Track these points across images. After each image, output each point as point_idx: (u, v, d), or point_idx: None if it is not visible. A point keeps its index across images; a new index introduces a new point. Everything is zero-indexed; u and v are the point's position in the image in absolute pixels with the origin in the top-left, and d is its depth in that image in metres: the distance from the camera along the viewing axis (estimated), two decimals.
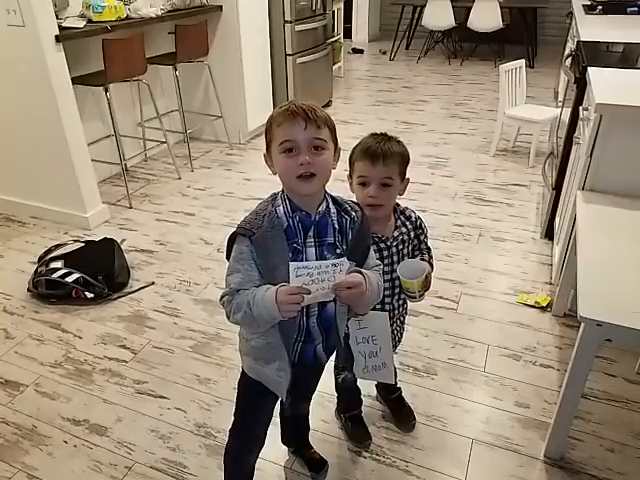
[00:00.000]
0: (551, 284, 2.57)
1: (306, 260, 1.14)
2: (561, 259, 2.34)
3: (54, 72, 2.73)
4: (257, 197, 3.53)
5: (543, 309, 2.40)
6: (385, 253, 1.48)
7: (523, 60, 4.02)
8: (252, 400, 1.37)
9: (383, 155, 1.36)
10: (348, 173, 1.45)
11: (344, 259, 1.07)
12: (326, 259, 1.14)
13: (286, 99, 4.65)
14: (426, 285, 1.46)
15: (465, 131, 4.73)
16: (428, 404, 1.93)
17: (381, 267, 1.32)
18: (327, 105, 5.44)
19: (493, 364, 2.11)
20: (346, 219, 1.19)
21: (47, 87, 2.74)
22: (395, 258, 1.50)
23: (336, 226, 1.18)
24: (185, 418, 1.89)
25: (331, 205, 1.19)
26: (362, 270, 1.16)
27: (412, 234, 1.54)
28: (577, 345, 1.50)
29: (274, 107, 4.60)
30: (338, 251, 1.17)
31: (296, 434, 1.73)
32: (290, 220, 1.15)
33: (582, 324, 1.44)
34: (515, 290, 2.56)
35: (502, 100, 3.97)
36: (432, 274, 1.51)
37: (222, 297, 1.17)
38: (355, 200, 1.44)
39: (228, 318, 1.17)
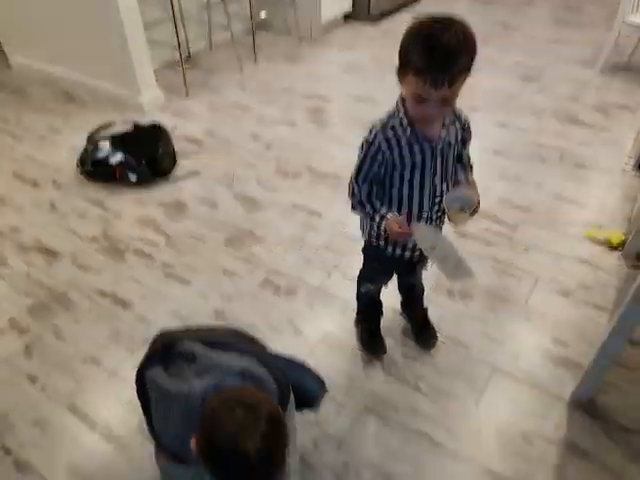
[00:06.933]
0: (630, 222, 2.21)
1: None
2: None
3: None
4: (319, 94, 3.32)
5: (613, 248, 2.08)
6: (428, 155, 1.25)
7: None
8: None
9: (450, 76, 1.06)
10: (398, 65, 1.13)
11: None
12: None
13: None
14: (473, 214, 1.26)
15: (572, 39, 4.06)
16: (455, 328, 1.79)
17: None
18: None
19: (538, 298, 1.89)
20: None
21: None
22: (439, 161, 1.27)
23: None
24: (204, 305, 1.90)
25: None
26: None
27: (459, 136, 1.30)
28: (634, 289, 1.25)
29: None
30: None
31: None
32: None
33: None
34: (586, 223, 2.24)
35: (624, 2, 3.29)
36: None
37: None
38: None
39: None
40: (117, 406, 1.58)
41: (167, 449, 0.98)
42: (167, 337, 1.04)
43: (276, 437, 0.84)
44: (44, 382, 1.64)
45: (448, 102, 1.12)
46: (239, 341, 1.07)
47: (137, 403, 1.53)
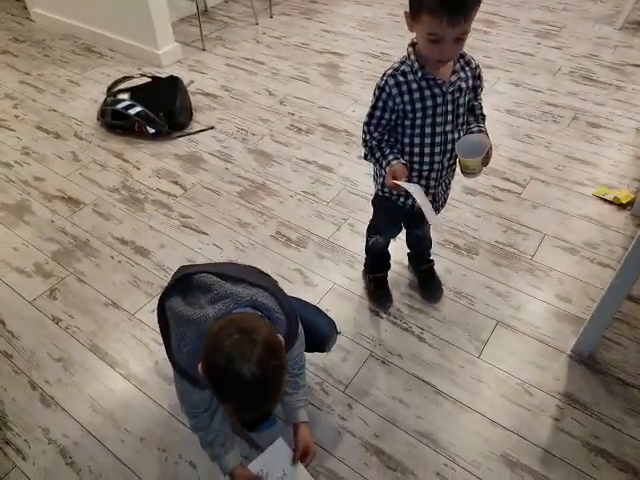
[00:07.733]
0: None
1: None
2: None
3: None
4: (334, 50, 3.30)
5: (622, 207, 2.11)
6: (439, 100, 1.27)
7: None
8: None
9: (465, 13, 1.06)
10: (408, 10, 1.15)
11: (280, 441, 1.22)
12: None
13: None
14: (486, 161, 1.29)
15: None
16: (460, 281, 1.85)
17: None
18: None
19: (544, 254, 1.94)
20: None
21: None
22: (450, 107, 1.29)
23: None
24: (220, 254, 1.97)
25: None
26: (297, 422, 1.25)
27: (470, 83, 1.31)
28: (634, 242, 1.29)
29: None
30: None
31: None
32: None
33: None
34: (595, 182, 2.25)
35: None
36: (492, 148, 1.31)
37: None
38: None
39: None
40: (136, 347, 1.67)
41: (184, 372, 1.06)
42: (186, 270, 1.11)
43: (271, 363, 0.87)
44: (67, 323, 1.74)
45: (462, 40, 1.14)
46: (252, 276, 1.13)
47: (155, 345, 1.65)
